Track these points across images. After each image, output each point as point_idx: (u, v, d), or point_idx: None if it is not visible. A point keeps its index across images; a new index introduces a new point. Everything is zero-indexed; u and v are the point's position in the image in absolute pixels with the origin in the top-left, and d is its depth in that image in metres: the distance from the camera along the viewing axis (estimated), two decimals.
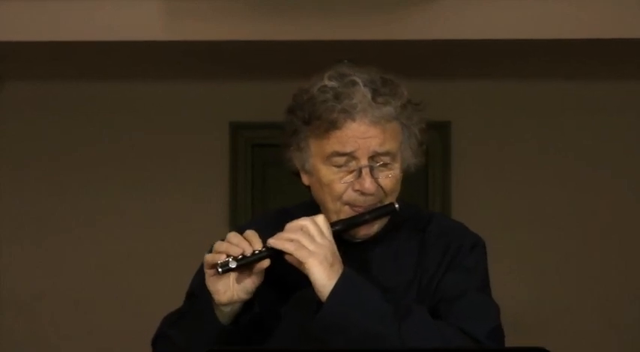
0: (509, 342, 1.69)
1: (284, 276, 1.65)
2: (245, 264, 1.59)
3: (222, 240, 1.65)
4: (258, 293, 1.63)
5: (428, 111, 1.72)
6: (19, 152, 5.07)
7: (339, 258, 1.60)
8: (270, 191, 5.06)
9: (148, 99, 5.07)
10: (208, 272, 1.62)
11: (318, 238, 1.58)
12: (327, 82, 1.65)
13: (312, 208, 1.74)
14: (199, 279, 1.71)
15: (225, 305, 1.62)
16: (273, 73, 4.78)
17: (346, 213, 1.67)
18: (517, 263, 4.83)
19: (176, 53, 4.42)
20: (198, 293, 1.69)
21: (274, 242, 1.59)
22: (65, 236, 5.03)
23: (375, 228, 1.70)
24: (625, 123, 5.03)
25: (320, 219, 1.62)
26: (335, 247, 1.60)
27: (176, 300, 1.84)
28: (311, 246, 1.57)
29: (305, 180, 1.73)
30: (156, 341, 1.76)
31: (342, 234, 1.66)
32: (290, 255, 1.58)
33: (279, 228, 1.69)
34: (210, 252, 1.80)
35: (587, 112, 5.01)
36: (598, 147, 5.02)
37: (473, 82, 4.98)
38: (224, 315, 1.63)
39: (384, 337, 1.55)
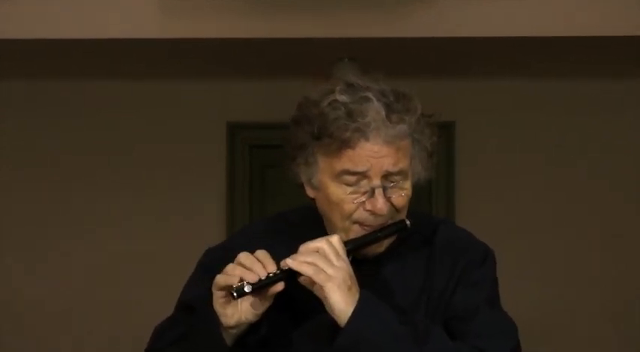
0: None
1: (294, 297, 1.60)
2: (259, 288, 1.53)
3: (223, 254, 1.60)
4: (266, 315, 1.58)
5: (435, 117, 1.66)
6: (14, 153, 5.05)
7: (355, 279, 1.55)
8: (269, 192, 5.04)
9: (144, 98, 5.04)
10: (218, 294, 1.55)
11: (335, 260, 1.53)
12: (338, 97, 1.57)
13: (311, 214, 1.69)
14: (196, 291, 1.66)
15: (233, 327, 1.56)
16: (271, 71, 4.75)
17: (355, 231, 1.61)
18: (522, 265, 4.79)
19: (172, 51, 4.39)
20: (199, 308, 1.63)
21: (291, 263, 1.53)
22: (61, 237, 5.00)
23: (384, 245, 1.65)
24: (634, 123, 4.98)
25: (335, 239, 1.55)
26: (351, 268, 1.55)
27: (174, 304, 1.78)
28: (329, 270, 1.51)
29: (310, 193, 1.66)
30: None
31: (352, 252, 1.60)
32: (305, 277, 1.53)
33: (277, 234, 1.69)
34: (207, 261, 1.73)
35: (594, 112, 5.00)
36: (605, 147, 4.99)
37: (477, 81, 4.95)
38: (229, 336, 1.58)
39: None
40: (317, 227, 1.65)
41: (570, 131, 5.00)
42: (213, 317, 1.56)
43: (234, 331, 1.56)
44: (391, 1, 3.91)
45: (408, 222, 1.62)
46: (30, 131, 5.03)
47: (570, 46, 4.22)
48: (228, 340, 1.57)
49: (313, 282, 1.52)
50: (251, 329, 1.58)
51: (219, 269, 1.57)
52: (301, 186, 1.66)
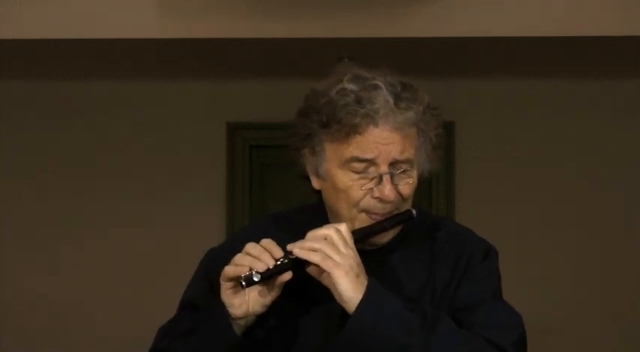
0: None
1: (301, 287, 1.60)
2: (267, 277, 1.53)
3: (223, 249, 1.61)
4: (274, 306, 1.58)
5: (440, 111, 1.68)
6: (16, 153, 5.04)
7: (363, 268, 1.55)
8: (269, 192, 5.04)
9: (144, 98, 5.03)
10: (226, 285, 1.56)
11: (342, 248, 1.53)
12: (346, 85, 1.59)
13: (313, 210, 1.70)
14: (199, 290, 1.66)
15: (240, 318, 1.57)
16: (272, 71, 4.74)
17: (362, 219, 1.62)
18: (521, 265, 4.78)
19: (172, 51, 4.38)
20: (204, 305, 1.63)
21: (299, 251, 1.53)
22: (59, 237, 5.00)
23: (390, 235, 1.66)
24: (634, 123, 4.98)
25: (343, 227, 1.56)
26: (358, 257, 1.55)
27: (174, 303, 1.78)
28: (336, 257, 1.52)
29: (316, 184, 1.67)
30: None
31: (359, 242, 1.60)
32: (313, 265, 1.53)
33: (282, 231, 1.68)
34: (208, 261, 1.74)
35: (594, 112, 4.98)
36: (606, 147, 4.98)
37: (477, 81, 4.95)
38: (237, 328, 1.58)
39: (411, 349, 1.51)
40: (322, 222, 1.64)
41: (570, 131, 4.99)
42: (221, 309, 1.56)
43: (241, 322, 1.57)
44: (391, 1, 3.91)
45: (414, 212, 1.64)
46: (29, 131, 5.03)
47: (570, 46, 4.22)
48: (237, 332, 1.58)
49: (321, 271, 1.52)
50: (259, 321, 1.59)
51: (220, 269, 1.57)
52: (307, 179, 1.67)
